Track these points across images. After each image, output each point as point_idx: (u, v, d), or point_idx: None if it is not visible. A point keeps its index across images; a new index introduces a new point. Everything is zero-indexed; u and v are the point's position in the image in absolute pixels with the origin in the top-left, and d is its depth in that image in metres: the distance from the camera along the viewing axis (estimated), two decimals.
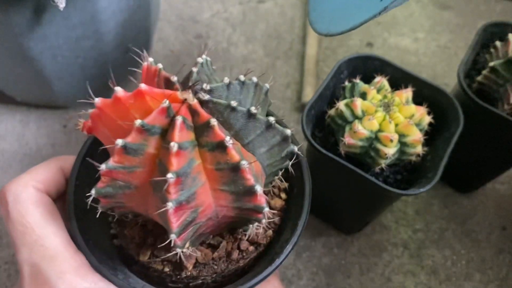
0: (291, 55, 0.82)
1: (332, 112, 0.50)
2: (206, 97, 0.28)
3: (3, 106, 0.70)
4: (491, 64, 0.51)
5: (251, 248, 0.37)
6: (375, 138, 0.46)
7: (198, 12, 0.88)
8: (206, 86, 0.29)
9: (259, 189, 0.28)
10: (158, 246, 0.33)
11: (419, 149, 0.47)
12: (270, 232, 0.38)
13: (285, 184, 0.40)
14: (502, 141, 0.55)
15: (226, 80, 0.30)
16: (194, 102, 0.28)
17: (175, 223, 0.27)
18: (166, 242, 0.29)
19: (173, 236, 0.28)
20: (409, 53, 0.84)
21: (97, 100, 0.28)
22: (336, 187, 0.55)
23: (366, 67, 0.55)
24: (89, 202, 0.29)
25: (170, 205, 0.26)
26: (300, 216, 0.37)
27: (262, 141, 0.30)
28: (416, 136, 0.46)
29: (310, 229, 0.62)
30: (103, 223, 0.38)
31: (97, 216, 0.31)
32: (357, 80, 0.50)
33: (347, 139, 0.46)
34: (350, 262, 0.59)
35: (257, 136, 0.30)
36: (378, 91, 0.49)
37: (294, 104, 0.75)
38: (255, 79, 0.32)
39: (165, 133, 0.27)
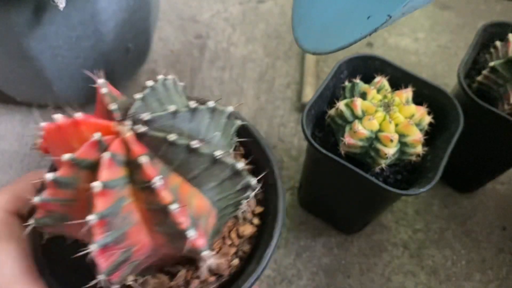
0: (291, 55, 0.82)
1: (332, 112, 0.50)
2: (142, 129, 0.25)
3: (3, 106, 0.70)
4: (491, 64, 0.51)
5: (212, 278, 0.34)
6: (375, 138, 0.46)
7: (198, 12, 0.88)
8: (145, 116, 0.26)
9: (192, 234, 0.26)
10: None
11: (419, 149, 0.47)
12: (236, 261, 0.35)
13: (259, 209, 0.37)
14: (502, 141, 0.55)
15: (172, 108, 0.27)
16: (128, 135, 0.25)
17: (102, 264, 0.25)
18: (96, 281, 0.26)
19: (100, 277, 0.25)
20: (409, 53, 0.84)
21: (42, 124, 0.27)
22: (336, 187, 0.55)
23: (366, 67, 0.55)
24: (28, 230, 0.28)
25: (93, 248, 0.24)
26: (268, 245, 0.34)
27: (208, 176, 0.28)
28: (416, 136, 0.46)
29: (310, 229, 0.62)
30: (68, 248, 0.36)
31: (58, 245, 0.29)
32: (357, 80, 0.50)
33: (347, 139, 0.46)
34: (350, 262, 0.59)
35: (202, 171, 0.27)
36: (378, 91, 0.49)
37: (294, 104, 0.75)
38: (211, 103, 0.29)
39: (97, 168, 0.25)
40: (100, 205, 0.24)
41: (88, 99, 0.68)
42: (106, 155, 0.24)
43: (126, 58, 0.65)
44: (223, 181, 0.29)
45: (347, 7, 0.36)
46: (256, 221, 0.37)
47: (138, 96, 0.28)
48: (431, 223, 0.63)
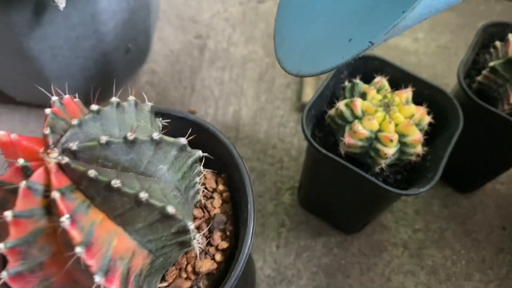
0: None
1: (332, 112, 0.50)
2: (64, 160, 0.24)
3: (3, 106, 0.70)
4: (491, 64, 0.51)
5: None
6: (375, 138, 0.46)
7: (198, 12, 0.88)
8: (72, 146, 0.25)
9: (98, 279, 0.24)
10: None
11: (419, 149, 0.47)
12: None
13: (224, 245, 0.35)
14: (502, 141, 0.55)
15: (103, 139, 0.25)
16: (51, 165, 0.24)
17: None
18: None
19: None
20: (409, 53, 0.84)
21: (1, 132, 0.26)
22: (336, 187, 0.55)
23: (366, 67, 0.55)
24: None
25: (4, 274, 0.24)
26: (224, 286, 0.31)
27: (134, 217, 0.26)
28: (416, 136, 0.46)
29: (310, 229, 0.62)
30: None
31: None
32: (357, 80, 0.50)
33: (347, 139, 0.46)
34: (350, 262, 0.59)
35: (127, 211, 0.26)
36: (378, 91, 0.49)
37: (294, 104, 0.75)
38: (155, 135, 0.27)
39: None
40: (13, 234, 0.24)
41: (88, 99, 0.68)
42: (22, 184, 0.23)
43: (126, 58, 0.65)
44: (152, 223, 0.26)
45: (328, 30, 0.36)
46: (218, 257, 0.35)
47: (74, 122, 0.26)
48: (431, 223, 0.63)
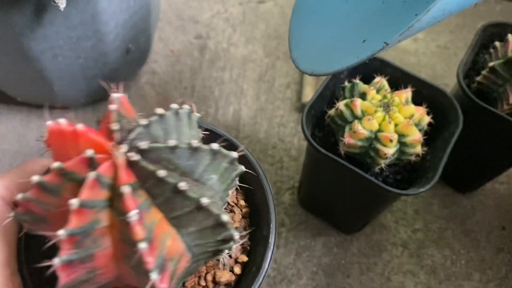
0: None
1: (332, 112, 0.50)
2: (134, 158, 0.25)
3: (4, 106, 0.70)
4: (491, 64, 0.51)
5: None
6: (374, 138, 0.46)
7: (198, 12, 0.88)
8: (142, 145, 0.25)
9: (155, 276, 0.25)
10: None
11: (418, 149, 0.47)
12: None
13: (244, 258, 0.36)
14: (502, 141, 0.55)
15: (172, 142, 0.26)
16: (120, 160, 0.25)
17: (63, 279, 0.25)
18: None
19: None
20: (409, 53, 0.84)
21: (49, 123, 0.26)
22: (335, 187, 0.55)
23: (366, 67, 0.55)
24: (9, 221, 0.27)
25: (56, 261, 0.24)
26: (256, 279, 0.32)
27: (190, 221, 0.27)
28: (415, 136, 0.46)
29: (310, 229, 0.62)
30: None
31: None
32: (357, 80, 0.51)
33: (347, 139, 0.46)
34: (350, 262, 0.59)
35: (185, 214, 0.26)
36: (378, 91, 0.50)
37: (294, 104, 0.75)
38: (215, 146, 0.28)
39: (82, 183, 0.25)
40: (74, 222, 0.24)
41: (88, 99, 0.68)
42: (91, 175, 0.24)
43: (126, 58, 0.65)
44: (204, 229, 0.28)
45: (342, 31, 0.36)
46: (237, 269, 0.35)
47: (143, 122, 0.27)
48: (430, 223, 0.64)
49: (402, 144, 0.46)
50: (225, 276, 0.35)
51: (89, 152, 0.24)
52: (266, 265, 0.33)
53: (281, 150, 0.69)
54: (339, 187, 0.54)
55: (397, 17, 0.34)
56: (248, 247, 0.37)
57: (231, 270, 0.35)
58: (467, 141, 0.52)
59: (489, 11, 0.92)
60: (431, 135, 0.50)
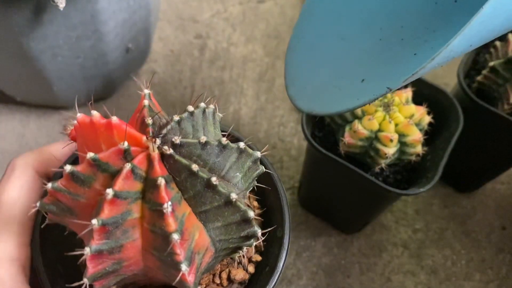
0: None
1: None
2: (169, 151, 0.26)
3: (3, 106, 0.70)
4: (491, 64, 0.51)
5: None
6: (375, 138, 0.46)
7: (198, 12, 0.88)
8: (176, 140, 0.26)
9: (184, 268, 0.25)
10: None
11: (419, 149, 0.47)
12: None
13: (257, 257, 0.37)
14: (502, 141, 0.55)
15: (203, 138, 0.27)
16: (154, 153, 0.25)
17: (90, 269, 0.26)
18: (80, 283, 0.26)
19: (85, 281, 0.26)
20: None
21: (79, 115, 0.27)
22: (336, 187, 0.55)
23: None
24: (34, 211, 0.28)
25: (87, 251, 0.25)
26: (272, 276, 0.33)
27: (217, 215, 0.28)
28: (416, 136, 0.46)
29: (310, 229, 0.62)
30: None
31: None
32: None
33: (347, 138, 0.46)
34: (350, 262, 0.59)
35: (213, 209, 0.27)
36: None
37: None
38: (242, 144, 0.29)
39: (116, 174, 0.26)
40: (107, 212, 0.24)
41: (88, 99, 0.68)
42: (127, 166, 0.25)
43: (126, 58, 0.65)
44: (230, 224, 0.28)
45: (339, 69, 0.36)
46: (250, 268, 0.36)
47: (175, 118, 0.28)
48: (431, 223, 0.63)
49: (402, 144, 0.46)
50: (239, 274, 0.35)
51: (125, 145, 0.25)
52: (280, 265, 0.34)
53: (281, 150, 0.69)
54: (339, 187, 0.54)
55: (396, 56, 0.34)
56: (262, 247, 0.37)
57: (245, 269, 0.36)
58: (468, 141, 0.52)
59: None
60: (431, 135, 0.50)
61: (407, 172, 0.52)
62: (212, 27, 0.85)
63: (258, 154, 0.30)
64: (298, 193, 0.64)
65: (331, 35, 0.38)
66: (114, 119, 0.26)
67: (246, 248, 0.32)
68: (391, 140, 0.45)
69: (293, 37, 0.40)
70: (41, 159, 0.35)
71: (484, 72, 0.53)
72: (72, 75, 0.61)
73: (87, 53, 0.58)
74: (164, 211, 0.24)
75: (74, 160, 0.36)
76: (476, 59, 0.59)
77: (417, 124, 0.47)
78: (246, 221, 0.28)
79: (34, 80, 0.60)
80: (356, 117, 0.47)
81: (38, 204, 0.27)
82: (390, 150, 0.45)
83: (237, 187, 0.30)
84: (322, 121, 0.53)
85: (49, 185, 0.26)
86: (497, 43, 0.55)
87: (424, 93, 0.52)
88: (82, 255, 0.25)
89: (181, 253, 0.25)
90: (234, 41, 0.83)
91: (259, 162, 0.31)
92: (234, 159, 0.29)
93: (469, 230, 0.63)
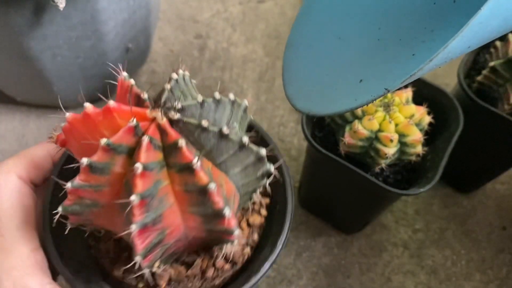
0: None
1: None
2: (176, 116, 0.27)
3: (3, 106, 0.70)
4: (491, 64, 0.51)
5: (227, 266, 0.36)
6: (375, 138, 0.46)
7: (198, 12, 0.88)
8: (177, 105, 0.28)
9: (228, 212, 0.27)
10: (129, 265, 0.32)
11: (419, 149, 0.47)
12: (247, 250, 0.37)
13: (266, 200, 0.39)
14: (502, 141, 0.55)
15: (200, 98, 0.29)
16: (164, 121, 0.27)
17: (139, 245, 0.27)
18: (133, 263, 0.27)
19: (138, 259, 0.27)
20: None
21: (68, 115, 0.27)
22: (336, 187, 0.55)
23: None
24: (56, 219, 0.28)
25: (133, 228, 0.25)
26: (280, 234, 0.36)
27: (235, 161, 0.30)
28: (416, 136, 0.46)
29: (310, 229, 0.62)
30: (79, 234, 0.37)
31: (69, 231, 0.30)
32: None
33: (347, 139, 0.46)
34: (350, 262, 0.59)
35: (230, 157, 0.29)
36: None
37: None
38: (232, 96, 0.31)
39: (133, 152, 0.26)
40: (141, 186, 0.25)
41: (88, 99, 0.68)
42: (145, 139, 0.26)
43: (126, 58, 0.65)
44: (247, 167, 0.30)
45: (336, 69, 0.36)
46: (263, 212, 0.39)
47: (167, 86, 0.29)
48: (431, 223, 0.63)
49: (402, 144, 0.46)
50: (257, 219, 0.38)
51: (134, 121, 0.26)
52: (289, 200, 0.38)
53: (281, 150, 0.69)
54: (339, 187, 0.54)
55: (394, 57, 0.34)
56: (270, 191, 0.40)
57: (259, 214, 0.39)
58: (468, 141, 0.52)
59: None
60: (431, 135, 0.50)
61: (407, 172, 0.52)
62: (212, 27, 0.85)
63: (245, 102, 0.32)
64: (298, 193, 0.64)
65: (329, 34, 0.38)
66: (112, 103, 0.26)
67: (259, 193, 0.34)
68: (391, 140, 0.45)
69: (290, 36, 0.40)
70: (24, 164, 0.35)
71: (484, 72, 0.53)
72: (72, 75, 0.61)
73: (87, 53, 0.58)
74: (194, 167, 0.26)
75: (64, 163, 0.37)
76: (476, 59, 0.59)
77: (417, 124, 0.47)
78: (260, 159, 0.30)
79: (34, 80, 0.60)
80: (356, 117, 0.47)
81: (60, 209, 0.28)
82: (390, 150, 0.45)
83: (239, 133, 0.32)
84: (322, 121, 0.53)
85: (68, 184, 0.26)
86: (497, 43, 0.55)
87: (424, 93, 0.52)
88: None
89: (220, 201, 0.27)
90: (234, 41, 0.83)
91: (265, 161, 0.32)
92: (229, 111, 0.31)
93: (469, 230, 0.63)
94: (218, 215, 0.27)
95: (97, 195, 0.27)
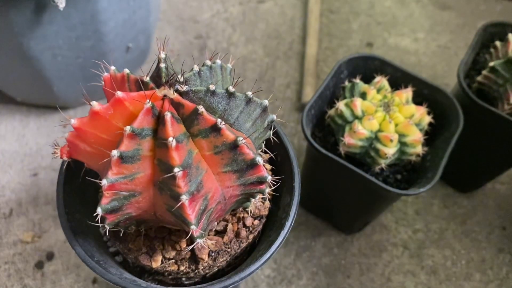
0: (291, 55, 0.82)
1: (332, 112, 0.50)
2: (185, 88, 0.28)
3: (3, 106, 0.70)
4: (491, 64, 0.51)
5: (256, 222, 0.38)
6: (375, 138, 0.46)
7: (198, 12, 0.88)
8: (180, 78, 0.29)
9: (260, 160, 0.29)
10: (166, 250, 0.34)
11: (419, 149, 0.47)
12: (267, 202, 0.40)
13: (267, 155, 0.41)
14: (502, 141, 0.55)
15: (196, 68, 0.30)
16: (175, 95, 0.28)
17: (192, 214, 0.28)
18: (188, 237, 0.29)
19: (193, 227, 0.28)
20: (409, 53, 0.84)
21: (73, 121, 0.27)
22: (336, 187, 0.55)
23: (366, 67, 0.55)
24: (91, 223, 0.29)
25: (184, 198, 0.27)
26: (293, 178, 0.38)
27: (245, 117, 0.31)
28: (416, 136, 0.46)
29: (310, 229, 0.62)
30: (100, 244, 0.38)
31: (92, 236, 0.31)
32: (357, 80, 0.50)
33: (347, 139, 0.46)
34: (350, 262, 0.59)
35: (241, 113, 0.31)
36: (378, 91, 0.49)
37: (294, 104, 0.75)
38: (219, 61, 0.32)
39: (156, 133, 0.27)
40: (178, 158, 0.27)
41: (87, 98, 0.68)
42: (168, 114, 0.27)
43: (126, 57, 0.65)
44: (255, 120, 0.32)
45: None
46: (267, 166, 0.41)
47: (162, 65, 0.31)
48: (431, 223, 0.63)
49: (402, 144, 0.46)
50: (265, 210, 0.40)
51: (149, 103, 0.27)
52: (295, 171, 0.39)
53: None
54: (339, 187, 0.54)
55: None
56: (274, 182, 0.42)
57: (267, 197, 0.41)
58: (468, 141, 0.52)
59: (489, 11, 0.92)
60: (431, 135, 0.50)
61: (407, 172, 0.52)
62: (212, 28, 0.85)
63: (265, 102, 0.34)
64: None
65: None
66: (120, 93, 0.27)
67: (262, 149, 0.36)
68: (391, 140, 0.45)
69: None
70: None
71: (484, 72, 0.53)
72: (72, 75, 0.61)
73: (87, 53, 0.58)
74: (220, 126, 0.28)
75: (66, 171, 0.38)
76: (476, 59, 0.59)
77: (417, 124, 0.47)
78: (265, 109, 0.32)
79: (34, 80, 0.60)
80: (356, 117, 0.47)
81: (99, 210, 0.28)
82: (390, 150, 0.45)
83: (247, 133, 0.33)
84: (322, 121, 0.53)
85: (104, 181, 0.27)
86: (497, 43, 0.55)
87: (424, 93, 0.52)
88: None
89: (250, 152, 0.29)
90: (234, 41, 0.83)
91: (268, 110, 0.34)
92: (220, 75, 0.33)
93: (469, 230, 0.63)
94: (252, 165, 0.29)
95: (133, 184, 0.28)
